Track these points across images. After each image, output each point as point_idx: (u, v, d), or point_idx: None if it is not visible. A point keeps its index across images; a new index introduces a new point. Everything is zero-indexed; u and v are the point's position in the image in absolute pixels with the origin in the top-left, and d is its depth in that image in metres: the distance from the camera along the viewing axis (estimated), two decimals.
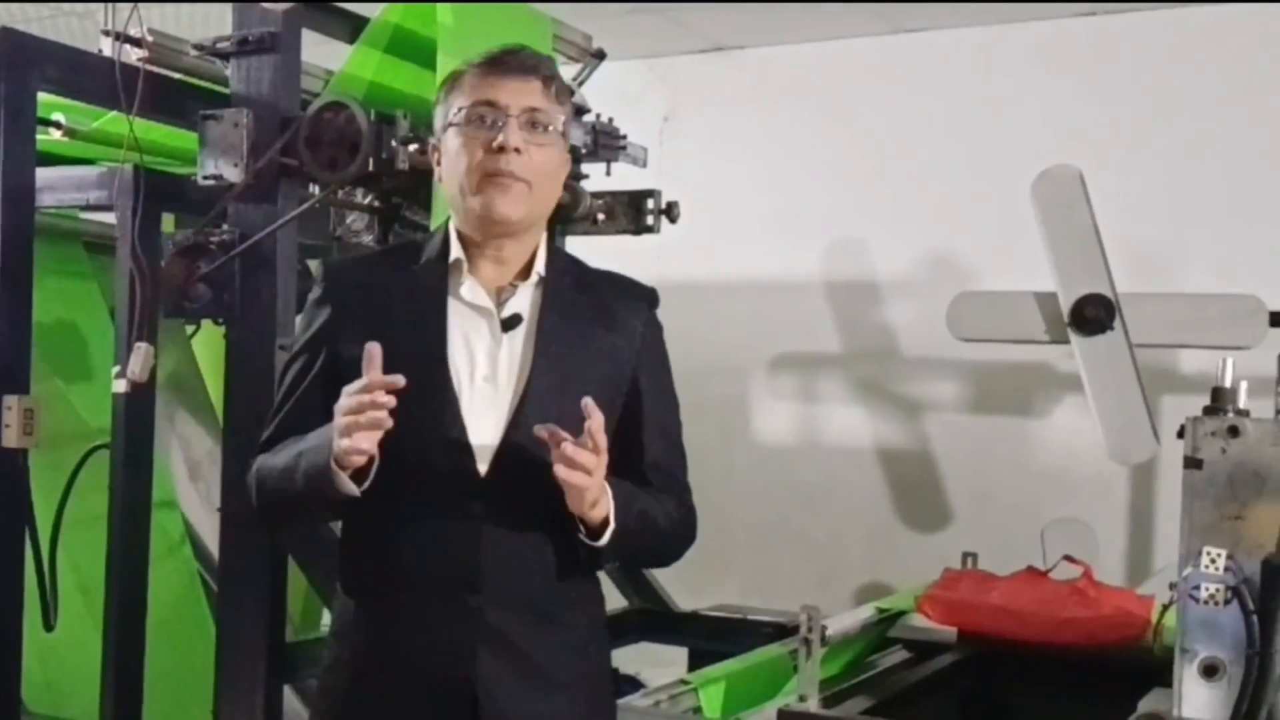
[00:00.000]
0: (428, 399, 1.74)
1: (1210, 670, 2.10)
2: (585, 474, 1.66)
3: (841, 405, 4.48)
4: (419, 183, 2.72)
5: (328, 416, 1.71)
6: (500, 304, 1.81)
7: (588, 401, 1.66)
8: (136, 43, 2.73)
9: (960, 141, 4.27)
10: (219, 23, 2.79)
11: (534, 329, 1.80)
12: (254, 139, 2.63)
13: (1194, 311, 3.41)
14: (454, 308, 1.80)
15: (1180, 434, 2.20)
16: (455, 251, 1.82)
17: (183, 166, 3.04)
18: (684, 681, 2.71)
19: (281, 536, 2.70)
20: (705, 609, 3.62)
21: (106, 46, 2.73)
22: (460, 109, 1.79)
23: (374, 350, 1.65)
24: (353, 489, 1.69)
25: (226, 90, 2.75)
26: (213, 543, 3.09)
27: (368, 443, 1.65)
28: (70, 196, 2.97)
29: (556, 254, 1.89)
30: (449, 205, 1.86)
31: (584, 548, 1.77)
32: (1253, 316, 3.29)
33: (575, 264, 1.92)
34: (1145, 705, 2.38)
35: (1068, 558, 3.25)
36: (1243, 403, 2.22)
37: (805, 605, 2.68)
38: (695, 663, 3.38)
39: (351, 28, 2.96)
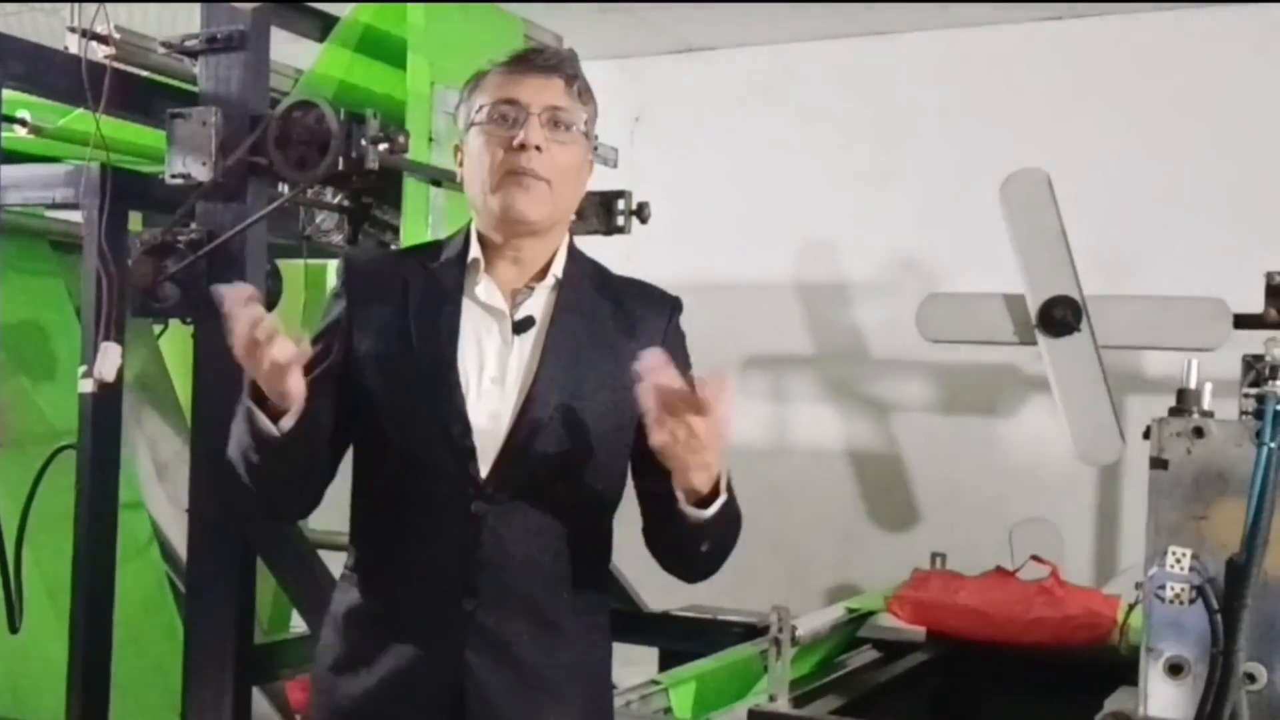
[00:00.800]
0: (435, 398, 1.72)
1: (1175, 669, 2.12)
2: (683, 425, 1.55)
3: (811, 406, 4.50)
4: (389, 182, 2.71)
5: (333, 413, 1.71)
6: (515, 306, 1.78)
7: (654, 353, 1.58)
8: (103, 40, 2.71)
9: (929, 144, 4.30)
10: (187, 21, 2.77)
11: (545, 331, 1.77)
12: (222, 137, 2.61)
13: (1159, 314, 3.44)
14: (468, 308, 1.77)
15: (1146, 435, 2.22)
16: (474, 251, 1.79)
17: (150, 165, 3.02)
18: (654, 682, 2.72)
19: (251, 537, 2.69)
20: (675, 609, 3.62)
21: (73, 43, 2.70)
22: (482, 107, 1.76)
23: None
24: (271, 429, 1.63)
25: (195, 88, 2.73)
26: (181, 544, 3.07)
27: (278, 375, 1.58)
28: (36, 194, 2.94)
29: (577, 256, 1.85)
30: (470, 206, 1.82)
31: (686, 523, 1.66)
32: (1217, 319, 3.32)
33: (595, 267, 1.88)
34: (1111, 704, 2.40)
35: (1035, 558, 3.28)
36: (1207, 404, 2.24)
37: (775, 605, 2.69)
38: (666, 663, 3.39)
39: (321, 26, 2.95)
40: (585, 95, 1.80)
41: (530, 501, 1.73)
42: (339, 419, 1.75)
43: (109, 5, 2.68)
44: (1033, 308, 3.49)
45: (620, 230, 3.32)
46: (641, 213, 3.35)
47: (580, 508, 1.77)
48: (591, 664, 1.85)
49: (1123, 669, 2.52)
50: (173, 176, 2.65)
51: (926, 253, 4.28)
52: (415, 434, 1.71)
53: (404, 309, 1.77)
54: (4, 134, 2.81)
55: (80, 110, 2.75)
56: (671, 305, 1.88)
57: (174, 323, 2.94)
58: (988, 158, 3.82)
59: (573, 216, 1.86)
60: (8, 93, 2.74)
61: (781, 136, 4.52)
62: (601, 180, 3.37)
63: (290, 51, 2.99)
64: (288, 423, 1.64)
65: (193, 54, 2.73)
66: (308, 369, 1.71)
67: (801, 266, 4.53)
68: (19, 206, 3.03)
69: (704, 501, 1.65)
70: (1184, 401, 2.24)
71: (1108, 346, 3.48)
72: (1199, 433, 2.16)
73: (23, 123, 2.92)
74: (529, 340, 1.77)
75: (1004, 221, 3.51)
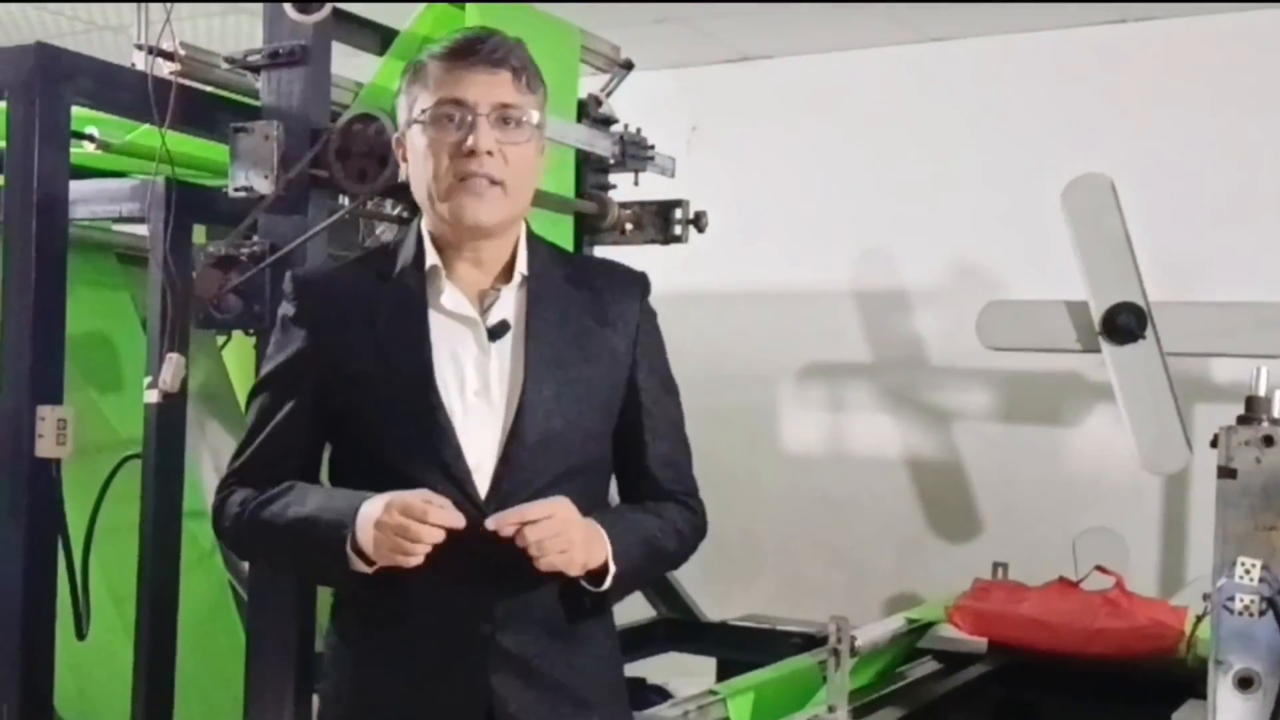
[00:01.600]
0: (419, 421, 1.65)
1: (1245, 682, 2.08)
2: (561, 551, 1.59)
3: (870, 414, 4.47)
4: None
5: (308, 452, 1.70)
6: (484, 311, 1.70)
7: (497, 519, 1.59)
8: (169, 56, 2.75)
9: (988, 149, 4.26)
10: (250, 36, 2.80)
11: (523, 334, 1.69)
12: (284, 151, 2.64)
13: (1226, 319, 3.38)
14: (435, 319, 1.69)
15: (1214, 443, 2.18)
16: (431, 258, 1.70)
17: (214, 179, 3.06)
18: (712, 692, 2.71)
19: None
20: (733, 619, 3.61)
21: (139, 60, 2.75)
22: (424, 109, 1.66)
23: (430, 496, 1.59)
24: (363, 568, 1.62)
25: (257, 103, 2.77)
26: None
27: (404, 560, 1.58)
28: (103, 209, 2.99)
29: (536, 247, 1.76)
30: (421, 206, 1.73)
31: (587, 595, 1.69)
32: None
33: (558, 256, 1.81)
34: (1179, 718, 2.37)
35: (1099, 568, 3.24)
36: (1277, 412, 2.20)
37: (834, 615, 2.67)
38: (724, 673, 3.38)
39: (381, 39, 2.98)
40: (534, 82, 1.71)
41: None
42: (315, 456, 1.75)
43: (174, 23, 2.72)
44: (1096, 314, 3.45)
45: (678, 239, 3.33)
46: (699, 222, 3.35)
47: (580, 508, 1.70)
48: (605, 663, 1.81)
49: (1190, 682, 2.49)
50: (235, 190, 2.69)
51: (986, 259, 4.25)
52: (407, 460, 1.64)
53: (371, 325, 1.68)
54: (73, 150, 2.86)
55: (146, 126, 2.79)
56: (641, 286, 1.81)
57: (237, 334, 2.98)
58: (1048, 163, 3.79)
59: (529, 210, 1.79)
60: (77, 109, 2.79)
61: (838, 144, 4.50)
62: (659, 189, 3.39)
63: (350, 65, 3.02)
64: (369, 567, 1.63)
65: (255, 69, 2.76)
66: (270, 413, 1.74)
67: (859, 274, 4.50)
68: (87, 221, 3.08)
69: (600, 577, 1.68)
70: (1253, 409, 2.21)
71: (1173, 354, 3.43)
72: (1268, 441, 2.13)
73: (91, 139, 2.97)
74: (506, 346, 1.69)
75: (1066, 227, 3.47)
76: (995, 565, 3.45)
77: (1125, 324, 3.41)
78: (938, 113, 4.36)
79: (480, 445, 1.67)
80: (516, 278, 1.72)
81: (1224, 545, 2.12)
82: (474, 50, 1.67)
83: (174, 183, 2.80)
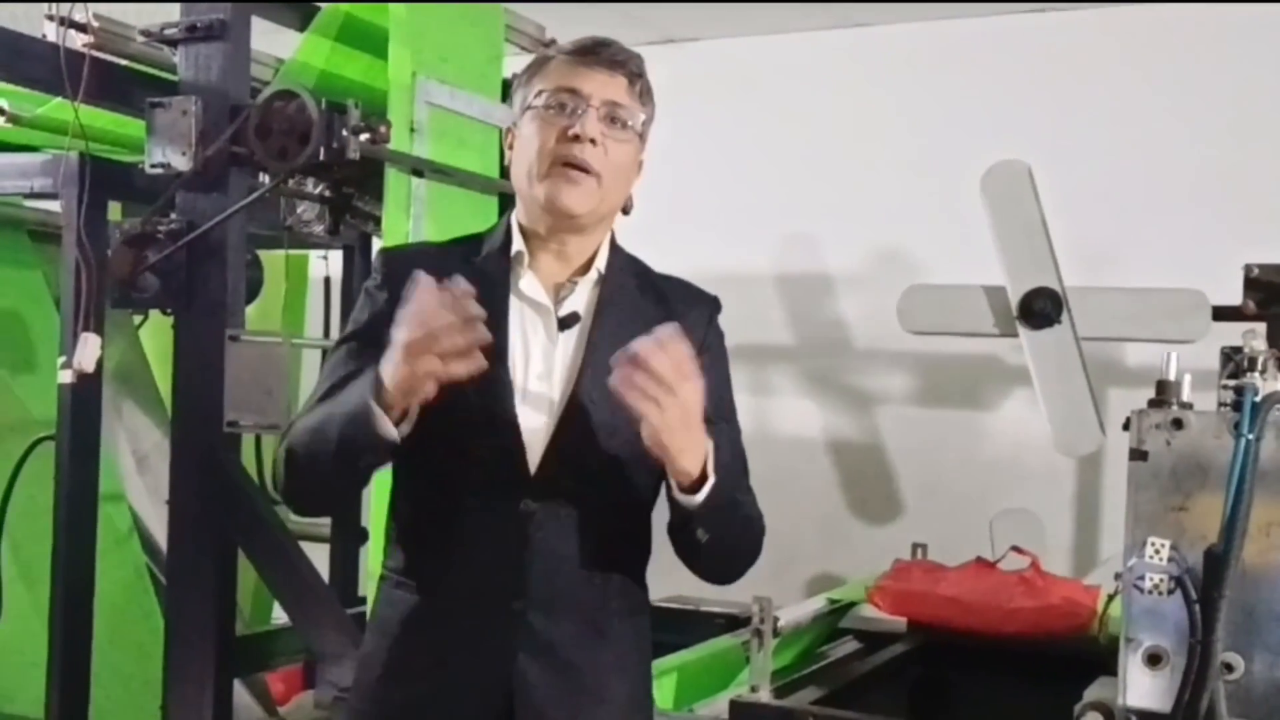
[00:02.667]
0: (484, 394, 1.68)
1: (1154, 659, 2.13)
2: (654, 404, 1.53)
3: (793, 398, 4.50)
4: (370, 172, 2.70)
5: None
6: (558, 301, 1.75)
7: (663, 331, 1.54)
8: (81, 28, 2.69)
9: (910, 136, 4.30)
10: (167, 9, 2.75)
11: (590, 328, 1.75)
12: (203, 127, 2.60)
13: (1139, 305, 3.45)
14: (512, 303, 1.75)
15: (1126, 426, 2.23)
16: (517, 244, 1.76)
17: (130, 154, 3.00)
18: None
19: (232, 529, 2.68)
20: (658, 600, 3.61)
21: (51, 32, 2.69)
22: (541, 92, 1.73)
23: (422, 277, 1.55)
24: (392, 431, 1.57)
25: (175, 78, 2.72)
26: (161, 535, 3.06)
27: (429, 380, 1.53)
28: (14, 184, 2.92)
29: (617, 252, 1.83)
30: (517, 195, 1.78)
31: (678, 510, 1.65)
32: (1196, 311, 3.34)
33: (636, 263, 1.86)
34: (1091, 694, 2.41)
35: (1016, 548, 3.29)
36: (1186, 395, 2.25)
37: (757, 596, 2.69)
38: None
39: (302, 16, 2.93)
40: (646, 96, 1.79)
41: (576, 499, 1.71)
42: None
43: None
44: (1013, 299, 3.50)
45: None
46: (624, 205, 3.35)
47: (623, 505, 1.76)
48: (633, 664, 1.83)
49: (1102, 659, 2.54)
50: (152, 166, 2.64)
51: (908, 244, 4.29)
52: (463, 431, 1.67)
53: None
54: None
55: (58, 99, 2.73)
56: (712, 305, 1.89)
57: (154, 313, 2.93)
58: (968, 149, 3.82)
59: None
60: None
61: (763, 128, 4.52)
62: None
63: (270, 41, 2.97)
64: (406, 428, 1.60)
65: (172, 43, 2.71)
66: (347, 362, 1.72)
67: (782, 259, 4.53)
68: None
69: (696, 488, 1.64)
70: (1163, 393, 2.25)
71: (1088, 338, 3.49)
72: (1178, 424, 2.17)
73: (0, 111, 2.90)
74: (573, 336, 1.75)
75: (985, 213, 3.51)
76: (915, 546, 3.49)
77: (1041, 309, 3.46)
78: (861, 98, 4.39)
79: (534, 425, 1.71)
80: (593, 274, 1.78)
81: (1135, 526, 2.17)
82: (598, 51, 1.75)
83: (88, 158, 2.74)
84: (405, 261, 1.77)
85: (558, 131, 1.70)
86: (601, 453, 1.70)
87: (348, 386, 1.67)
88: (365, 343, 1.73)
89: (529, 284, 1.75)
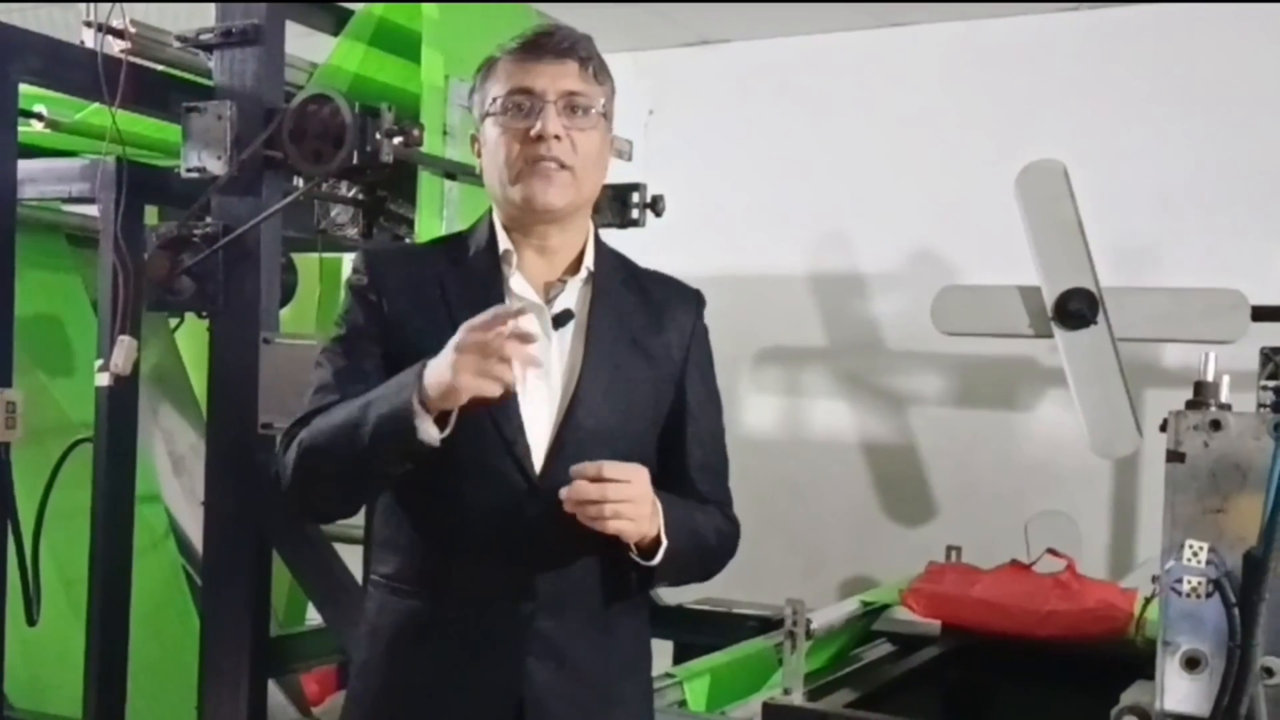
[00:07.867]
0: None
1: (1192, 663, 2.10)
2: (630, 520, 1.60)
3: (826, 399, 4.49)
4: (404, 175, 2.72)
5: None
6: (550, 300, 1.76)
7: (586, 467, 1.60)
8: (119, 34, 2.71)
9: (945, 135, 4.28)
10: (202, 15, 2.77)
11: (584, 326, 1.76)
12: (237, 131, 2.62)
13: (1176, 306, 3.42)
14: (506, 302, 1.73)
15: (1163, 427, 2.20)
16: (504, 243, 1.76)
17: (166, 159, 3.03)
18: (669, 674, 2.72)
19: (267, 530, 2.70)
20: (690, 602, 3.62)
21: (89, 38, 2.71)
22: (495, 99, 1.74)
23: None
24: (435, 436, 1.57)
25: (210, 82, 2.74)
26: (197, 537, 3.08)
27: (491, 386, 1.53)
28: (52, 189, 2.96)
29: (603, 249, 1.84)
30: (490, 198, 1.80)
31: (635, 569, 1.70)
32: (1234, 311, 3.30)
33: (623, 261, 1.87)
34: (1128, 698, 2.39)
35: (1051, 551, 3.26)
36: (1225, 397, 2.22)
37: (790, 599, 2.68)
38: (681, 656, 3.39)
39: (335, 20, 2.95)
40: (601, 74, 1.77)
41: None
42: None
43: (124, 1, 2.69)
44: (1049, 300, 3.48)
45: (635, 223, 3.32)
46: (656, 206, 3.35)
47: None
48: (638, 663, 1.84)
49: (1139, 663, 2.51)
50: (188, 170, 2.66)
51: (942, 245, 4.27)
52: (467, 429, 1.63)
53: (443, 302, 1.72)
54: (21, 128, 2.82)
55: (96, 105, 2.76)
56: (697, 300, 1.89)
57: (189, 316, 2.95)
58: (1004, 149, 3.80)
59: (593, 203, 1.83)
60: (24, 87, 2.75)
61: (796, 129, 4.51)
62: (616, 173, 3.37)
63: (305, 45, 2.99)
64: (446, 432, 1.59)
65: (208, 48, 2.73)
66: (340, 364, 1.72)
67: (816, 259, 4.52)
68: (35, 201, 3.04)
69: (652, 550, 1.68)
70: (1201, 394, 2.22)
71: (1124, 339, 3.47)
72: (1216, 425, 2.15)
73: (39, 117, 2.93)
74: (567, 334, 1.75)
75: (1020, 213, 3.49)
76: (949, 548, 3.47)
77: (1077, 309, 3.44)
78: (895, 98, 4.38)
79: (536, 426, 1.71)
80: (583, 272, 1.79)
81: (1172, 528, 2.15)
82: (542, 43, 1.75)
83: (125, 163, 2.77)
84: (391, 262, 1.80)
85: (520, 134, 1.71)
86: (604, 450, 1.69)
87: (365, 392, 1.66)
88: (356, 345, 1.74)
89: (519, 283, 1.76)
